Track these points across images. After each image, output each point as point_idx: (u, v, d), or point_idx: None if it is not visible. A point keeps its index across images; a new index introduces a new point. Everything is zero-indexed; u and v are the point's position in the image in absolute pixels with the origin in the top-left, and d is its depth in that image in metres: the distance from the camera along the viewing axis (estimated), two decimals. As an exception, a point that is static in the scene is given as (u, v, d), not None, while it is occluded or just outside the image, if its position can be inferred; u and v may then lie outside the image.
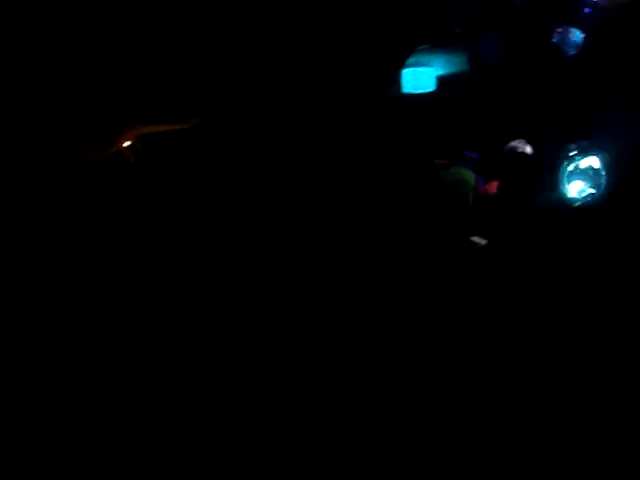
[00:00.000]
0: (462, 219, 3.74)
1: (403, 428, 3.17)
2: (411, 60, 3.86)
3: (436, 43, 3.84)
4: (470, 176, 3.80)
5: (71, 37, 2.71)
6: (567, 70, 3.87)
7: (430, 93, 3.90)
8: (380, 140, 3.67)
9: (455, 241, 3.68)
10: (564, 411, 3.20)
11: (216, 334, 3.20)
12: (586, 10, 3.86)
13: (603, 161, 3.72)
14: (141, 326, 3.06)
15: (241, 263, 3.30)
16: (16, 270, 2.53)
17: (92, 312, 2.92)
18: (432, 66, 3.88)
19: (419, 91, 3.89)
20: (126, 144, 2.65)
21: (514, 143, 3.77)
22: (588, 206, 3.74)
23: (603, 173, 3.73)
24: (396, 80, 3.85)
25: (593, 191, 3.75)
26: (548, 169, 3.79)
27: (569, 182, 3.76)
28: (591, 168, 3.75)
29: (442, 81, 3.92)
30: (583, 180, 3.76)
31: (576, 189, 3.77)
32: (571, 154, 3.76)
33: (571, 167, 3.75)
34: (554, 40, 3.86)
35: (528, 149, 3.76)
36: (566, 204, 3.75)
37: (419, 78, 3.88)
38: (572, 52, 3.88)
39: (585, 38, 3.85)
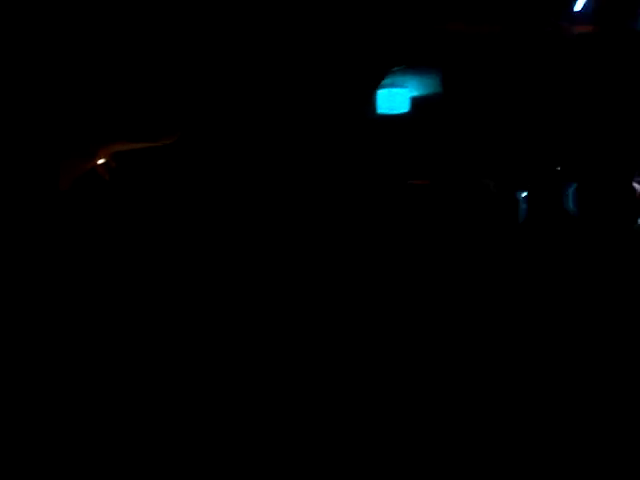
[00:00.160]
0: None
1: (402, 428, 3.18)
2: (386, 81, 3.89)
3: (411, 64, 3.88)
4: (443, 196, 3.83)
5: (44, 59, 2.72)
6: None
7: (404, 114, 3.93)
8: (354, 160, 3.69)
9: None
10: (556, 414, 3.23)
11: (211, 341, 3.22)
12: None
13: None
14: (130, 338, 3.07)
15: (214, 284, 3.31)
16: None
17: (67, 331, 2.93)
18: (406, 87, 3.92)
19: (393, 112, 3.93)
20: (100, 162, 2.67)
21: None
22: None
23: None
24: (371, 101, 3.88)
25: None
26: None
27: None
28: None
29: (416, 102, 3.95)
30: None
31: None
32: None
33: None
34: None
35: None
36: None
37: (394, 99, 3.92)
38: None
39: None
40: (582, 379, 3.32)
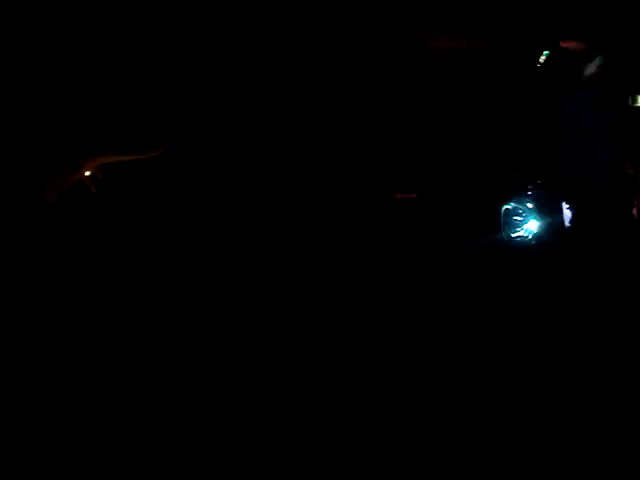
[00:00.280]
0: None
1: (401, 429, 3.19)
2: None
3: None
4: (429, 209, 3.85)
5: (30, 71, 2.73)
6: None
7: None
8: (341, 176, 3.70)
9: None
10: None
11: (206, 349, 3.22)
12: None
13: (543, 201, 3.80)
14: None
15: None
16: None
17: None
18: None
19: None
20: (87, 174, 2.67)
21: None
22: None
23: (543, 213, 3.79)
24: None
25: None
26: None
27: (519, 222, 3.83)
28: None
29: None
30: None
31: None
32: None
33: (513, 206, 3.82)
34: None
35: None
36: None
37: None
38: None
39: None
40: (581, 381, 3.35)
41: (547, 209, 3.79)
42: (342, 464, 3.07)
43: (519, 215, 3.80)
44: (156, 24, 3.10)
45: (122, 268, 3.15)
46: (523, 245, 3.78)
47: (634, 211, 3.78)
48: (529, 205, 3.79)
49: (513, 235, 3.79)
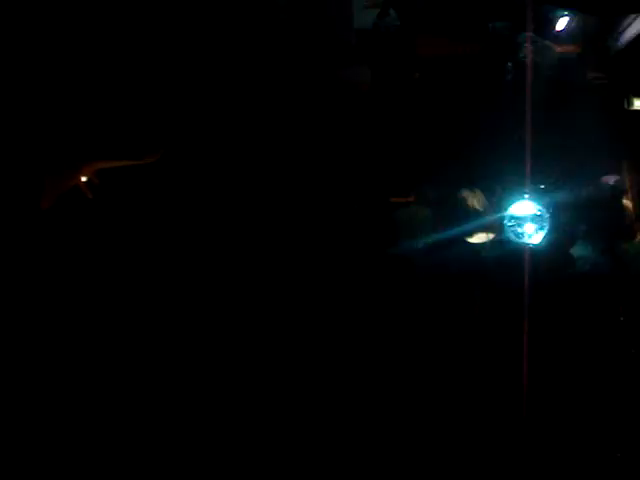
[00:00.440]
0: (419, 253, 3.78)
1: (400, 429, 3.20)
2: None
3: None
4: (425, 213, 3.85)
5: (26, 75, 2.73)
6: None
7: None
8: (337, 178, 3.71)
9: (411, 276, 3.72)
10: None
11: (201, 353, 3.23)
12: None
13: (545, 205, 3.79)
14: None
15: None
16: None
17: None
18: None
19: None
20: (83, 179, 2.67)
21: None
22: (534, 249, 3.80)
23: (546, 216, 3.79)
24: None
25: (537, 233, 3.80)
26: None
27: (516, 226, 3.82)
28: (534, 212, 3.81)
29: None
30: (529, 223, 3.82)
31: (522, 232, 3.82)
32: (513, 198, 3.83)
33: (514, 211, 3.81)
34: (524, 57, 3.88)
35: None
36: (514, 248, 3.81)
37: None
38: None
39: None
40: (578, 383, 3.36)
41: (549, 212, 3.79)
42: (342, 464, 3.08)
43: (521, 219, 3.80)
44: (154, 33, 3.12)
45: (119, 273, 3.16)
46: (525, 248, 3.78)
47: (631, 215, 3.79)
48: (531, 208, 3.78)
49: (516, 238, 3.79)
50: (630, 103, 3.82)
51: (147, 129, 2.83)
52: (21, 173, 2.57)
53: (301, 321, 3.40)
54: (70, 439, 2.90)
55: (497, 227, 3.80)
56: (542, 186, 3.84)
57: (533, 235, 3.76)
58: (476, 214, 3.82)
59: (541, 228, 3.75)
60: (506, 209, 3.80)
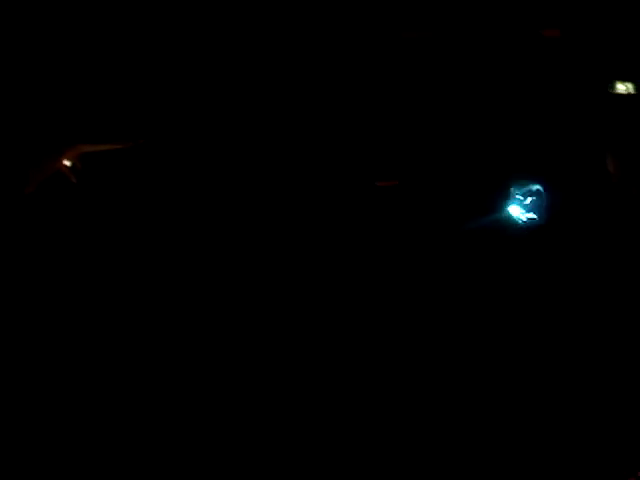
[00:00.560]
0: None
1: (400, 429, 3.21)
2: None
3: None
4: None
5: (9, 62, 2.72)
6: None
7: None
8: (322, 163, 3.70)
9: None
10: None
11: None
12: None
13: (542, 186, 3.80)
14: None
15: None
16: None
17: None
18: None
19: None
20: (66, 164, 2.67)
21: None
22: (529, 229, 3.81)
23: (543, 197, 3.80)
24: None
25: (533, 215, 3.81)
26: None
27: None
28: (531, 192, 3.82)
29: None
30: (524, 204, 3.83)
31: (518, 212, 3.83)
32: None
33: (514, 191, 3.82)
34: None
35: None
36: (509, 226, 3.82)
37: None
38: None
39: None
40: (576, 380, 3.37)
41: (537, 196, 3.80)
42: (341, 464, 3.09)
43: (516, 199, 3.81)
44: (132, 17, 3.10)
45: (103, 258, 3.16)
46: (520, 228, 3.79)
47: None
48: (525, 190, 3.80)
49: (514, 217, 3.80)
50: (613, 87, 3.82)
51: (129, 114, 2.83)
52: (3, 158, 2.56)
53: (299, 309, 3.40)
54: (70, 439, 2.89)
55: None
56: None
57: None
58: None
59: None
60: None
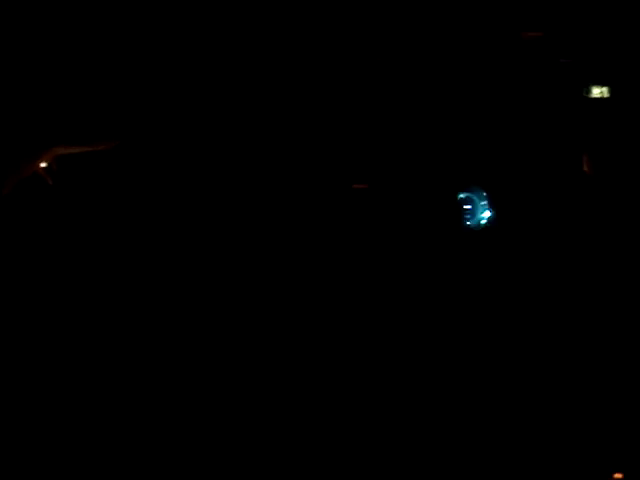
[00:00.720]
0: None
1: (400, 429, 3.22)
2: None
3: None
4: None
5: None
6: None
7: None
8: (302, 165, 3.71)
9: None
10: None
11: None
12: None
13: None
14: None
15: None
16: None
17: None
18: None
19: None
20: (43, 165, 2.67)
21: None
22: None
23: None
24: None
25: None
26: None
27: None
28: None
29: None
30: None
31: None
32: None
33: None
34: None
35: None
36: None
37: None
38: None
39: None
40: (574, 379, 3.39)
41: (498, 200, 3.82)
42: (341, 464, 3.10)
43: (472, 204, 3.83)
44: (114, 17, 3.09)
45: (79, 260, 3.15)
46: (478, 233, 3.81)
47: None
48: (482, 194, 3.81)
49: (469, 222, 3.82)
50: (589, 91, 3.85)
51: (104, 116, 2.82)
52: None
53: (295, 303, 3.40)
54: (70, 439, 2.89)
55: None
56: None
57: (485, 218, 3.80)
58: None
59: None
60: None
